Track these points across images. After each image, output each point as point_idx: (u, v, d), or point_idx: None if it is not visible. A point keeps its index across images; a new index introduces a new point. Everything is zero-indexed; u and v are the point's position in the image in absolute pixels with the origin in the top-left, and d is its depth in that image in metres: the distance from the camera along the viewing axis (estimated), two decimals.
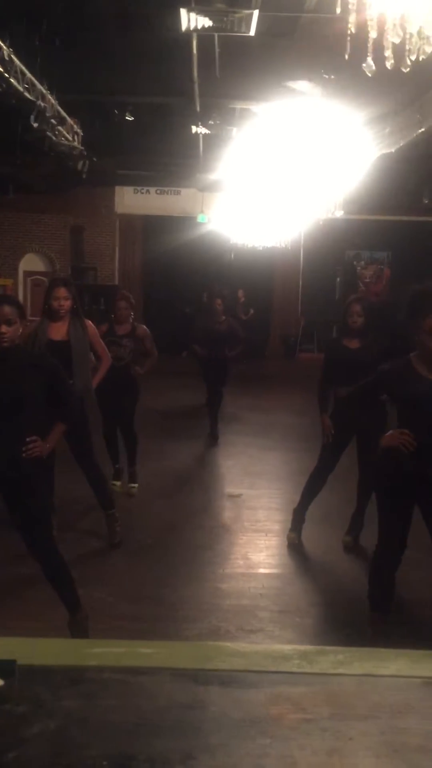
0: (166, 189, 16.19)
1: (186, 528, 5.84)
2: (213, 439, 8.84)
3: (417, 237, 16.08)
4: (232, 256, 16.01)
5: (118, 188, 16.21)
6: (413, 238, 16.17)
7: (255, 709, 1.14)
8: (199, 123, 10.39)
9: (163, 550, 5.33)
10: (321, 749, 1.06)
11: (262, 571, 5.10)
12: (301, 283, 17.50)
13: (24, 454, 3.57)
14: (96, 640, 1.42)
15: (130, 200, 16.44)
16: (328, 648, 1.34)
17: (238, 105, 10.18)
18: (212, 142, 11.56)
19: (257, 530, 5.88)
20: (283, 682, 1.21)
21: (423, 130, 9.49)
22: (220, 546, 5.54)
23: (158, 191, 16.32)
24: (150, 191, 16.37)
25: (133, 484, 6.69)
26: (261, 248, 13.79)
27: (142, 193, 16.40)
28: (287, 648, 1.37)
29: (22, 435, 3.59)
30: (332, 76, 7.68)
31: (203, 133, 10.74)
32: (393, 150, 10.73)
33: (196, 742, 1.06)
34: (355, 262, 18.21)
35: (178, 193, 16.16)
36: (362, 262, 18.25)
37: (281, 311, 17.40)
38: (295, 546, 5.44)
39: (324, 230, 13.94)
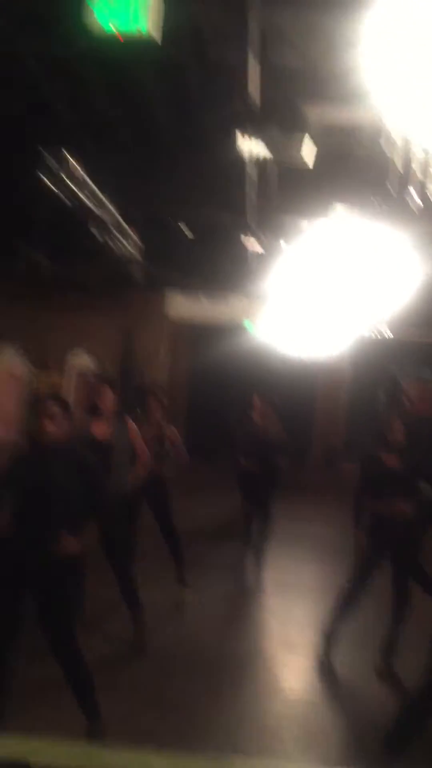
0: (215, 297, 16.67)
1: (214, 639, 5.71)
2: (257, 567, 7.81)
3: None
4: (278, 364, 16.24)
5: (169, 294, 16.75)
6: None
7: None
8: (250, 236, 10.84)
9: (188, 661, 5.20)
10: None
11: (288, 690, 4.93)
12: (344, 395, 17.56)
13: (56, 550, 3.60)
14: (108, 747, 1.41)
15: (181, 306, 16.93)
16: None
17: (290, 221, 10.63)
18: (262, 253, 12.00)
19: (286, 647, 5.72)
20: None
21: None
22: (248, 661, 5.39)
23: (208, 298, 16.80)
24: (200, 298, 16.85)
25: (186, 590, 6.41)
26: (306, 358, 13.97)
27: (193, 299, 16.90)
28: (292, 766, 1.34)
29: (56, 531, 3.63)
30: (382, 203, 8.01)
31: (253, 245, 11.18)
32: None
33: None
34: (401, 379, 18.23)
35: (227, 301, 16.61)
36: (408, 380, 18.25)
37: (323, 422, 17.41)
38: (324, 667, 5.24)
39: (371, 345, 14.13)
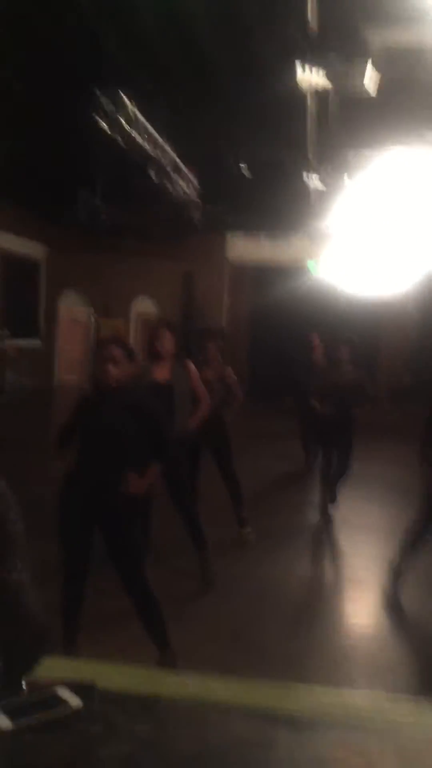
0: (276, 237, 16.39)
1: (280, 576, 5.78)
2: (325, 519, 7.39)
3: None
4: (341, 304, 15.96)
5: (229, 235, 16.56)
6: None
7: (320, 753, 1.14)
8: (312, 171, 10.56)
9: (255, 597, 5.29)
10: None
11: (355, 624, 4.98)
12: (410, 334, 17.20)
13: (122, 490, 3.69)
14: (171, 672, 1.46)
15: (241, 247, 16.75)
16: (401, 697, 1.32)
17: (351, 153, 10.30)
18: (324, 190, 11.70)
19: (353, 582, 5.76)
20: (352, 728, 1.21)
21: None
22: (314, 596, 5.46)
23: (269, 239, 16.54)
24: (261, 238, 16.61)
25: (247, 530, 6.48)
26: (371, 297, 13.70)
27: (253, 240, 16.67)
28: (360, 694, 1.37)
29: (121, 472, 3.71)
30: None
31: (315, 181, 10.90)
32: None
33: None
34: None
35: (289, 240, 16.33)
36: None
37: (388, 362, 17.13)
38: (391, 601, 5.26)
39: None
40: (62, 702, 1.29)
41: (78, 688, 1.30)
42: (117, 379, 3.81)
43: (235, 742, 1.17)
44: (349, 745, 1.16)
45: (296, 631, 4.75)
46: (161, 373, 5.40)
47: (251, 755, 1.14)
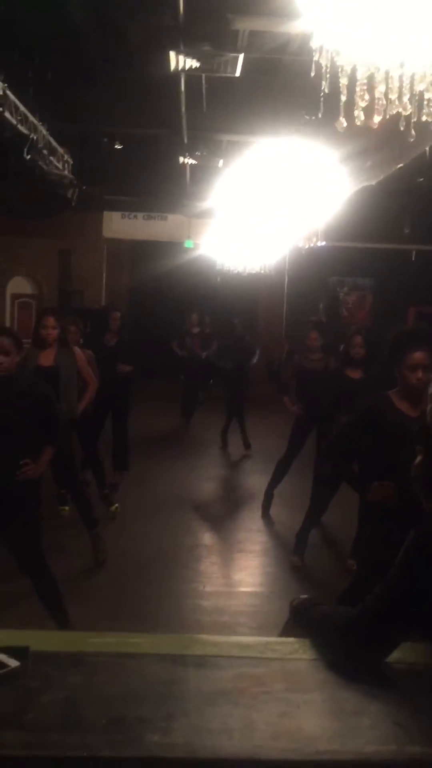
0: (153, 215, 16.48)
1: (169, 547, 6.05)
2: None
3: (398, 265, 16.46)
4: (219, 280, 16.31)
5: (105, 213, 16.48)
6: (394, 266, 16.55)
7: (223, 684, 1.40)
8: (186, 154, 10.75)
9: (146, 569, 5.54)
10: (274, 713, 1.33)
11: (242, 589, 5.33)
12: (285, 308, 17.83)
13: (18, 477, 3.81)
14: (93, 632, 1.67)
15: (118, 225, 16.71)
16: (286, 639, 1.61)
17: (224, 138, 10.56)
18: (199, 171, 11.93)
19: (239, 550, 6.11)
20: (247, 665, 1.48)
21: (401, 165, 9.90)
22: (202, 565, 5.77)
23: (145, 217, 16.58)
24: (137, 216, 16.62)
25: (113, 506, 6.72)
26: (246, 274, 14.06)
27: (130, 218, 16.65)
28: (252, 639, 1.64)
29: (16, 458, 3.82)
30: (313, 117, 8.04)
31: (190, 163, 11.10)
32: (374, 183, 11.14)
33: (175, 708, 1.34)
34: (338, 289, 18.58)
35: (165, 218, 16.46)
36: (345, 289, 18.62)
37: (266, 335, 17.71)
38: (279, 566, 5.64)
39: (308, 257, 14.27)
40: (1, 664, 1.48)
41: (14, 652, 1.49)
42: (7, 368, 3.90)
43: (152, 682, 1.41)
44: (247, 677, 1.43)
45: (187, 598, 5.05)
46: (46, 358, 5.50)
47: (166, 691, 1.38)
